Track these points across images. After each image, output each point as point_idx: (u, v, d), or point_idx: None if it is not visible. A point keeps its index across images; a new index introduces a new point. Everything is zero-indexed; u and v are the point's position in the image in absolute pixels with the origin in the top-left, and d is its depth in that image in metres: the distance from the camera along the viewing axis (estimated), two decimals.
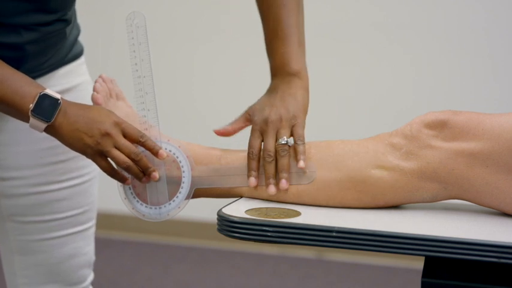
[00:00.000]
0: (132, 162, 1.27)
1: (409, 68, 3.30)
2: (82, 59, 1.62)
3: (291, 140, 1.31)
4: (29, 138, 1.53)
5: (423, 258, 1.14)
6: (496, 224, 1.20)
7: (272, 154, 1.30)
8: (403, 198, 1.26)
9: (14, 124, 1.51)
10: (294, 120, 1.34)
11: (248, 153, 1.31)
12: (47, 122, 1.28)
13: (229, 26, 3.44)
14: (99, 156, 1.28)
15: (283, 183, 1.29)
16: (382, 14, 3.29)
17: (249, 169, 1.31)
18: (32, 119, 1.29)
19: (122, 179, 1.30)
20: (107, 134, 1.27)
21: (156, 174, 1.28)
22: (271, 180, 1.30)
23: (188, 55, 3.51)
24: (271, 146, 1.31)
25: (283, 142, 1.31)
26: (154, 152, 1.29)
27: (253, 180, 1.30)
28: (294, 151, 1.30)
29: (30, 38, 1.43)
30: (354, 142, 1.29)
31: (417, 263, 3.11)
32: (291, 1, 1.43)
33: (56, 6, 1.44)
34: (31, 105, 1.28)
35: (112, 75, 1.44)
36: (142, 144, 1.28)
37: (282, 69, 1.41)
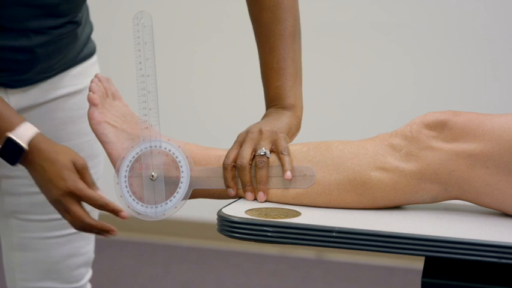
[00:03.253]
0: (85, 227, 1.29)
1: (410, 68, 3.30)
2: (94, 58, 1.61)
3: (269, 152, 1.30)
4: None
5: (423, 258, 1.14)
6: (496, 224, 1.20)
7: (245, 161, 1.28)
8: (403, 200, 1.26)
9: None
10: (275, 135, 1.32)
11: (223, 163, 1.30)
12: (11, 164, 1.29)
13: (229, 26, 3.44)
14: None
15: (261, 195, 1.28)
16: (382, 14, 3.29)
17: (225, 179, 1.30)
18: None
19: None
20: (57, 201, 1.29)
21: (123, 215, 1.28)
22: (247, 188, 1.28)
23: (188, 55, 3.51)
24: (246, 153, 1.29)
25: (261, 153, 1.29)
26: (116, 213, 1.29)
27: (230, 191, 1.30)
28: (281, 162, 1.29)
29: (41, 41, 1.43)
30: (354, 143, 1.29)
31: (417, 263, 3.11)
32: (288, 30, 1.42)
33: (65, 10, 1.43)
34: None
35: (112, 74, 1.44)
36: (103, 209, 1.29)
37: (276, 102, 1.41)
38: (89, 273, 1.69)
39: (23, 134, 1.28)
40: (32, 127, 1.29)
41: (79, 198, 1.27)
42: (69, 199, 1.27)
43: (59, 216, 1.58)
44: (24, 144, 1.28)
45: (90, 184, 1.29)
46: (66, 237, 1.61)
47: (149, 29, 1.31)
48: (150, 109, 1.31)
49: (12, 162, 1.28)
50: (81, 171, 1.29)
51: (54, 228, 1.60)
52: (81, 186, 1.27)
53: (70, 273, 1.63)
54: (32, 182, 1.55)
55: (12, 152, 1.28)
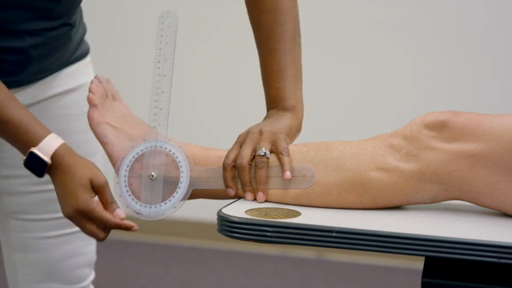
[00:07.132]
0: (104, 234, 1.27)
1: (410, 68, 3.30)
2: (88, 59, 1.61)
3: (269, 153, 1.30)
4: None
5: (423, 258, 1.14)
6: (496, 224, 1.20)
7: (245, 161, 1.28)
8: (403, 200, 1.26)
9: None
10: (275, 136, 1.32)
11: (223, 163, 1.30)
12: (38, 176, 1.29)
13: (229, 26, 3.44)
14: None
15: (260, 196, 1.28)
16: (382, 14, 3.29)
17: (224, 179, 1.30)
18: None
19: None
20: (69, 217, 1.27)
21: (135, 228, 1.27)
22: (247, 188, 1.28)
23: (187, 55, 3.51)
24: (245, 153, 1.29)
25: (261, 153, 1.29)
26: (128, 229, 1.27)
27: (230, 191, 1.30)
28: (280, 162, 1.29)
29: (34, 42, 1.42)
30: (353, 143, 1.29)
31: (417, 263, 3.10)
32: (288, 32, 1.42)
33: (60, 12, 1.43)
34: (23, 159, 1.28)
35: (112, 75, 1.44)
36: (116, 228, 1.27)
37: (277, 104, 1.41)
38: (91, 275, 1.68)
39: (46, 147, 1.28)
40: (57, 139, 1.29)
41: (89, 218, 1.26)
42: (80, 217, 1.26)
43: (58, 215, 1.58)
44: (47, 158, 1.27)
45: (108, 203, 1.27)
46: (65, 237, 1.61)
47: (173, 30, 1.31)
48: (160, 109, 1.31)
49: (38, 174, 1.28)
50: (99, 190, 1.27)
51: (53, 228, 1.60)
52: (91, 206, 1.26)
53: (72, 273, 1.63)
54: (30, 180, 1.56)
55: (37, 165, 1.27)
